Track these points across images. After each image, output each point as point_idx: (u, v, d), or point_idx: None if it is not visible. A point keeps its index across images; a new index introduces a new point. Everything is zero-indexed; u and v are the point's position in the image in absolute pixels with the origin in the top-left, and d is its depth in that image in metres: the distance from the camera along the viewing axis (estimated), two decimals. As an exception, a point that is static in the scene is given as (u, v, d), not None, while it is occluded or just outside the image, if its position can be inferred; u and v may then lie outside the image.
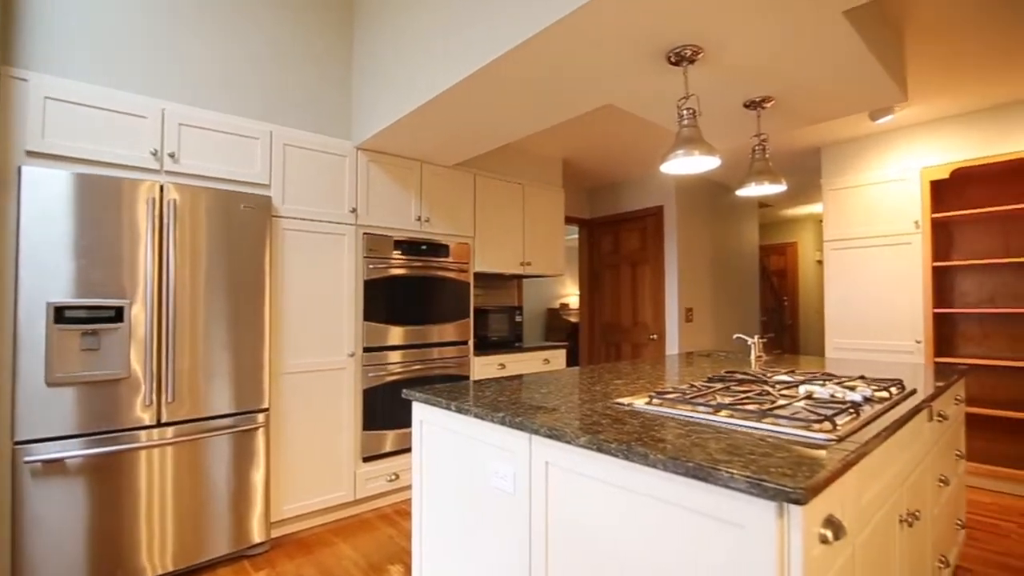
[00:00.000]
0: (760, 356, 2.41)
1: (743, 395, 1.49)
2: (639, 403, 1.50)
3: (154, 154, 2.28)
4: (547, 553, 1.28)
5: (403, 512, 2.96)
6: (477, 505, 1.51)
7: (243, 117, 2.59)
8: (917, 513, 1.53)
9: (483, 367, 3.50)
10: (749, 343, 2.42)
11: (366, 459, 2.97)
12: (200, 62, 2.47)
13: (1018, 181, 3.36)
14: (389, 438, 3.06)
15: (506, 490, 1.41)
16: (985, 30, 2.36)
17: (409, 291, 3.17)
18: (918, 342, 3.43)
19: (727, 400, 1.42)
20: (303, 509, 2.71)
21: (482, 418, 1.46)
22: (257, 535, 2.47)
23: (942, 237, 3.60)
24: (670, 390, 1.58)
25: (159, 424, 2.22)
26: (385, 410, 3.04)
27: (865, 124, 3.49)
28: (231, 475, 2.40)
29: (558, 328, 7.19)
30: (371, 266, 3.00)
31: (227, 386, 2.39)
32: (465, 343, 3.44)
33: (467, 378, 3.42)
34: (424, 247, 3.25)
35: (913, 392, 1.64)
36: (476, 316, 3.72)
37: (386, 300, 3.06)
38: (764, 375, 1.86)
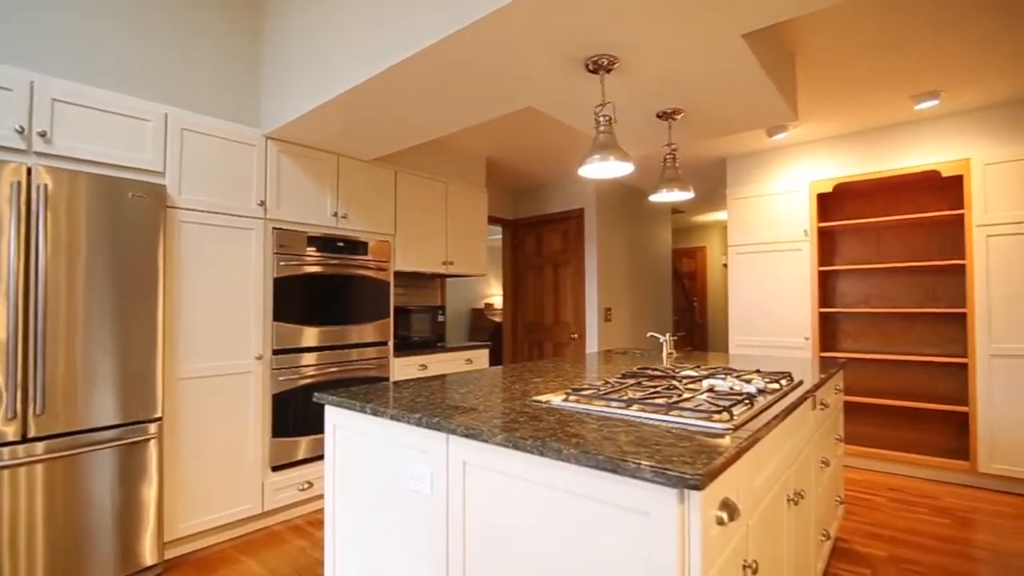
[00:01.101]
0: (671, 353, 2.54)
1: (653, 390, 1.56)
2: (556, 400, 1.52)
3: (20, 132, 2.01)
4: (465, 553, 1.27)
5: (317, 522, 2.82)
6: (393, 509, 1.46)
7: (134, 96, 2.35)
8: (802, 493, 1.68)
9: (404, 368, 3.42)
10: (661, 341, 2.55)
11: (276, 468, 2.80)
12: (85, 34, 2.21)
13: (888, 196, 3.81)
14: (302, 445, 2.90)
15: (423, 492, 1.38)
16: (863, 60, 2.65)
17: (325, 290, 3.03)
18: (806, 339, 3.78)
19: (638, 395, 1.48)
20: (204, 525, 2.50)
21: (398, 420, 1.42)
22: (149, 557, 2.24)
23: (827, 244, 4.00)
24: (586, 387, 1.62)
25: (25, 440, 1.95)
26: (298, 416, 2.89)
27: (764, 139, 3.80)
28: (117, 493, 2.16)
29: (482, 328, 7.20)
30: (282, 263, 2.83)
31: (111, 395, 2.16)
32: (385, 344, 3.34)
33: (387, 380, 3.33)
34: (341, 244, 3.12)
35: (800, 383, 1.80)
36: (397, 316, 3.63)
37: (300, 299, 2.91)
38: (673, 371, 1.97)
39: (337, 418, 1.66)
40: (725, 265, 7.84)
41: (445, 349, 3.70)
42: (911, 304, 3.69)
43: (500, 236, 5.47)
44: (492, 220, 5.09)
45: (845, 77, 2.84)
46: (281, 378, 2.82)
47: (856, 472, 3.55)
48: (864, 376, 3.86)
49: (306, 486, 2.91)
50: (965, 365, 3.45)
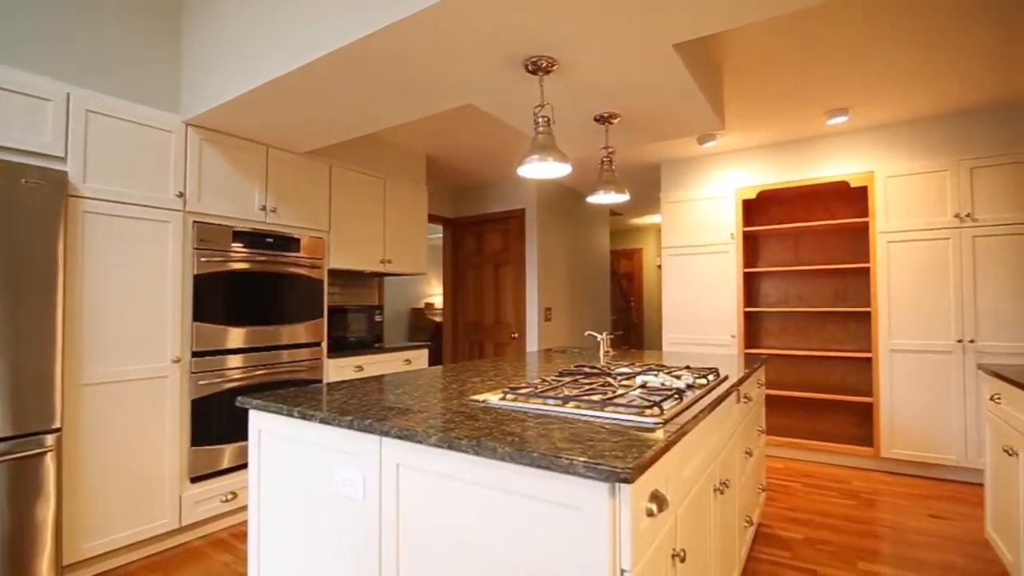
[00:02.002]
0: (608, 351, 2.60)
1: (588, 387, 1.59)
2: (493, 399, 1.51)
3: None
4: (399, 559, 1.23)
5: (242, 535, 2.66)
6: (323, 517, 1.40)
7: (30, 72, 2.12)
8: (727, 482, 1.76)
9: (338, 369, 3.30)
10: (598, 339, 2.61)
11: (196, 479, 2.61)
12: (-35, -2, 1.97)
13: (805, 203, 4.09)
14: (227, 453, 2.73)
15: (355, 497, 1.33)
16: (783, 75, 2.82)
17: (253, 288, 2.86)
18: (733, 336, 3.99)
19: (574, 392, 1.50)
20: (112, 545, 2.29)
21: (328, 423, 1.36)
22: (44, 583, 2.03)
23: (751, 248, 4.24)
24: (524, 385, 1.62)
25: None
26: (222, 422, 2.71)
27: (696, 147, 3.98)
28: (6, 513, 1.94)
29: (422, 328, 7.09)
30: (204, 259, 2.65)
31: None
32: (318, 345, 3.21)
33: (320, 382, 3.19)
34: (271, 240, 2.96)
35: (726, 379, 1.89)
36: (332, 316, 3.50)
37: (224, 298, 2.73)
38: (608, 368, 2.01)
39: (262, 423, 1.57)
40: (659, 266, 8.15)
41: (383, 350, 3.60)
42: (824, 304, 3.99)
43: (441, 235, 5.41)
44: (433, 219, 5.02)
45: (767, 91, 3.02)
46: (202, 382, 2.63)
47: (777, 461, 3.79)
48: (784, 371, 4.13)
49: (230, 497, 2.74)
50: (870, 359, 3.77)
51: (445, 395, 1.63)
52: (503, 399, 1.50)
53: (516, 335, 4.79)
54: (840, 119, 3.37)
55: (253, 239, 2.88)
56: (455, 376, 2.03)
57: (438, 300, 7.50)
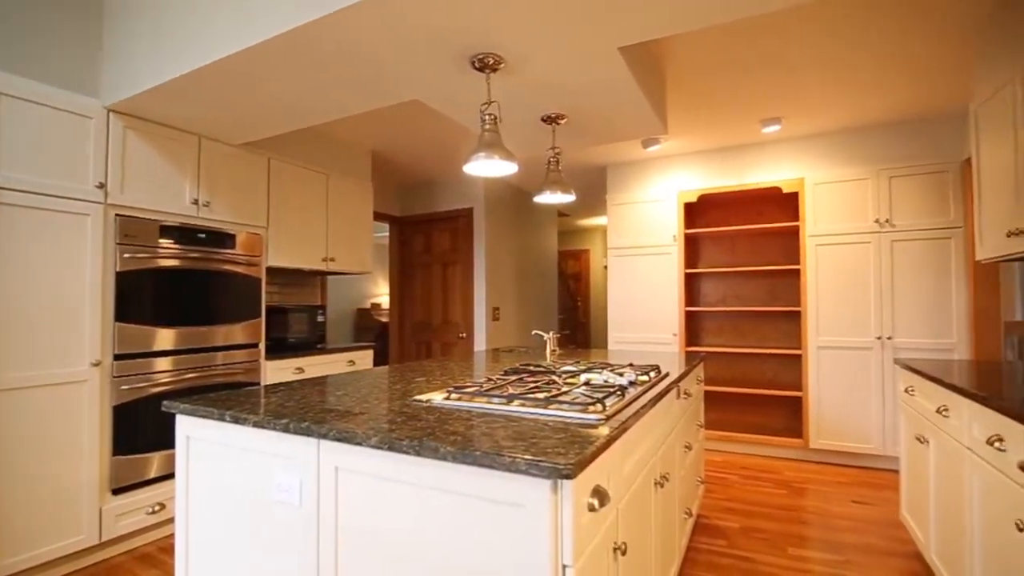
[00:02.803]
0: (554, 350, 2.62)
1: (533, 385, 1.59)
2: (438, 399, 1.49)
3: None
4: (338, 565, 1.19)
5: (170, 548, 2.50)
6: (258, 525, 1.33)
7: (-80, 46, 1.91)
8: (668, 476, 1.81)
9: (277, 372, 3.16)
10: (545, 339, 2.62)
11: (119, 490, 2.43)
12: None
13: (742, 207, 4.29)
14: (154, 462, 2.56)
15: (291, 503, 1.27)
16: (722, 84, 2.94)
17: (184, 287, 2.70)
18: (674, 335, 4.13)
19: (519, 391, 1.50)
20: (20, 565, 2.10)
21: (263, 426, 1.30)
22: (-65, 612, 1.83)
23: (692, 249, 4.41)
24: (469, 384, 1.61)
25: None
26: (148, 429, 2.54)
27: (640, 150, 4.09)
28: None
29: (368, 328, 6.93)
30: (127, 255, 2.47)
31: None
32: (255, 346, 3.06)
33: (257, 385, 3.05)
34: (203, 236, 2.80)
35: (666, 375, 1.95)
36: (270, 316, 3.35)
37: (152, 297, 2.56)
38: (554, 367, 2.03)
39: (191, 429, 1.48)
40: (606, 267, 8.33)
41: (325, 351, 3.48)
42: (759, 303, 4.20)
43: (387, 233, 5.30)
44: (379, 216, 4.91)
45: (708, 98, 3.14)
46: (125, 387, 2.45)
47: (715, 454, 3.95)
48: (722, 367, 4.31)
49: (157, 508, 2.56)
50: (799, 356, 4.00)
51: (388, 396, 1.59)
52: (447, 398, 1.48)
53: (464, 335, 4.76)
54: (774, 128, 3.55)
55: (184, 234, 2.71)
56: (400, 376, 1.99)
57: (385, 300, 7.36)
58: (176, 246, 2.67)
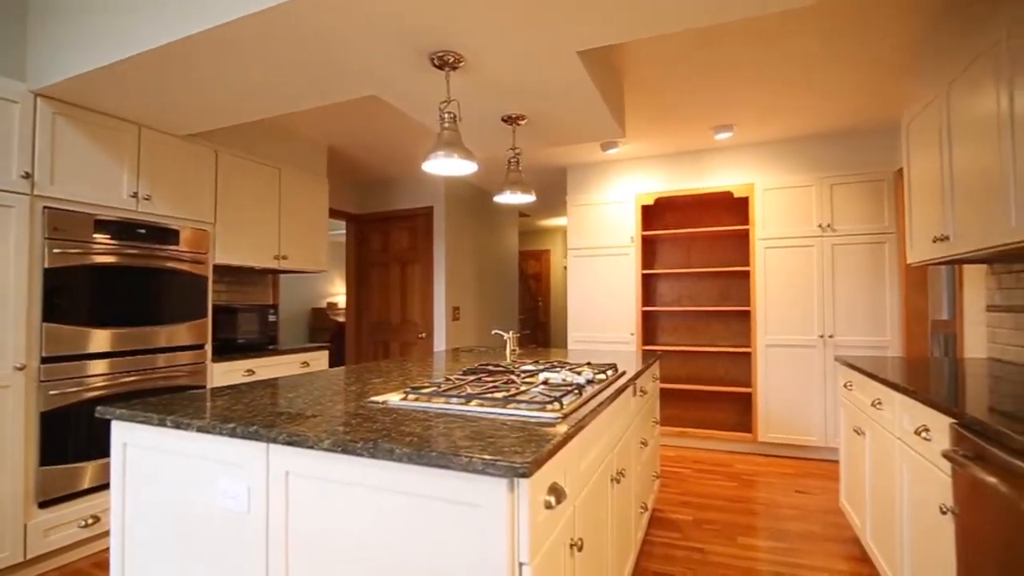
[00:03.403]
0: (514, 350, 2.62)
1: (491, 385, 1.58)
2: (394, 400, 1.46)
3: None
4: (288, 572, 1.14)
5: (105, 563, 2.35)
6: (201, 534, 1.26)
7: None
8: (624, 472, 1.84)
9: (226, 374, 3.03)
10: (505, 338, 2.62)
11: (47, 503, 2.27)
12: None
13: (697, 210, 4.42)
14: (88, 472, 2.40)
15: (238, 510, 1.22)
16: (677, 90, 3.02)
17: (122, 285, 2.54)
18: (632, 334, 4.21)
19: (477, 391, 1.49)
20: (-72, 589, 1.92)
21: (207, 431, 1.23)
22: None
23: (649, 250, 4.51)
24: (426, 385, 1.59)
25: None
26: (81, 436, 2.38)
27: (600, 152, 4.15)
28: None
29: (324, 328, 6.75)
30: (57, 251, 2.31)
31: None
32: (201, 347, 2.92)
33: (202, 387, 2.91)
34: (143, 231, 2.65)
35: (623, 373, 1.98)
36: (218, 315, 3.20)
37: (85, 296, 2.40)
38: (513, 366, 2.03)
39: (128, 435, 1.39)
40: (566, 267, 8.42)
41: (277, 352, 3.36)
42: (711, 303, 4.34)
43: (344, 231, 5.17)
44: (335, 214, 4.79)
45: (664, 103, 3.22)
46: (55, 392, 2.29)
47: (670, 449, 4.05)
48: (676, 365, 4.43)
49: (91, 521, 2.40)
50: (749, 354, 4.16)
51: (344, 397, 1.54)
52: (404, 399, 1.45)
53: (423, 335, 4.70)
54: (726, 134, 3.68)
55: (121, 229, 2.56)
56: (356, 377, 1.94)
57: (341, 300, 7.18)
58: (112, 242, 2.51)
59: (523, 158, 4.29)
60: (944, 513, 1.46)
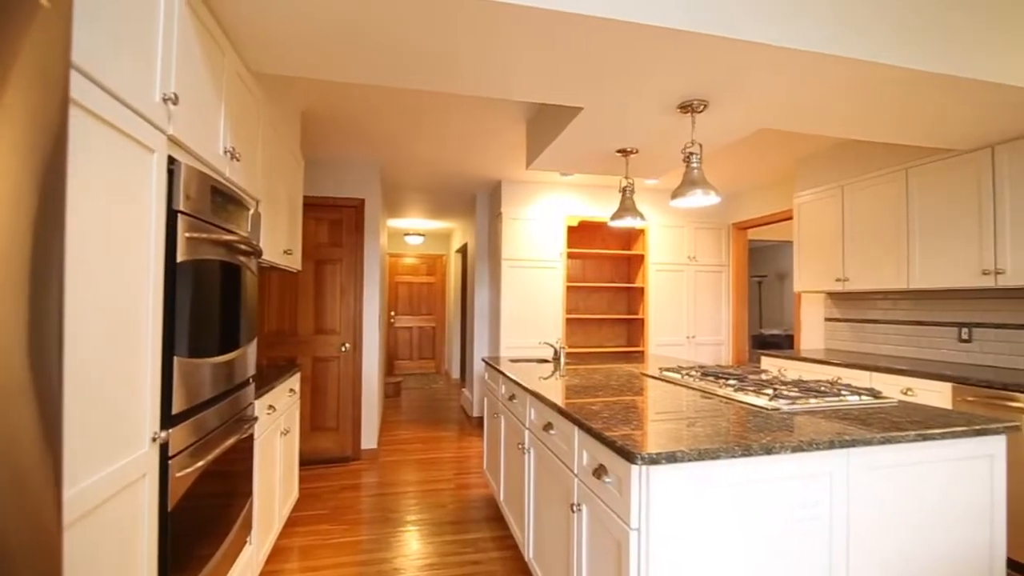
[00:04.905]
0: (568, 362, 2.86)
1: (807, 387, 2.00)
2: (768, 405, 1.73)
3: None
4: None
5: None
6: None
7: None
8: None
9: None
10: (557, 348, 2.84)
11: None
12: None
13: (607, 235, 5.27)
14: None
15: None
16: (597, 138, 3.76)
17: (221, 290, 1.65)
18: (557, 340, 4.74)
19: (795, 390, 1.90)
20: None
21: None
22: None
23: (574, 266, 5.12)
24: (791, 390, 1.88)
25: None
26: (205, 536, 1.46)
27: (537, 173, 4.51)
28: None
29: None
30: (192, 235, 1.43)
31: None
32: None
33: None
34: (232, 208, 1.77)
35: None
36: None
37: (210, 309, 1.49)
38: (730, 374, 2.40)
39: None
40: (464, 273, 8.03)
41: (293, 378, 2.53)
42: (617, 312, 5.27)
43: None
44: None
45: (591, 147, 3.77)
46: (183, 472, 1.37)
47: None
48: (591, 361, 5.17)
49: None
50: (642, 352, 5.27)
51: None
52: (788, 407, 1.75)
53: (348, 346, 4.05)
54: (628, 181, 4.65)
55: (225, 202, 1.66)
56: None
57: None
58: (218, 222, 1.61)
59: (450, 164, 4.29)
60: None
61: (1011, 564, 2.34)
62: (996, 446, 1.54)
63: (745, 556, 1.30)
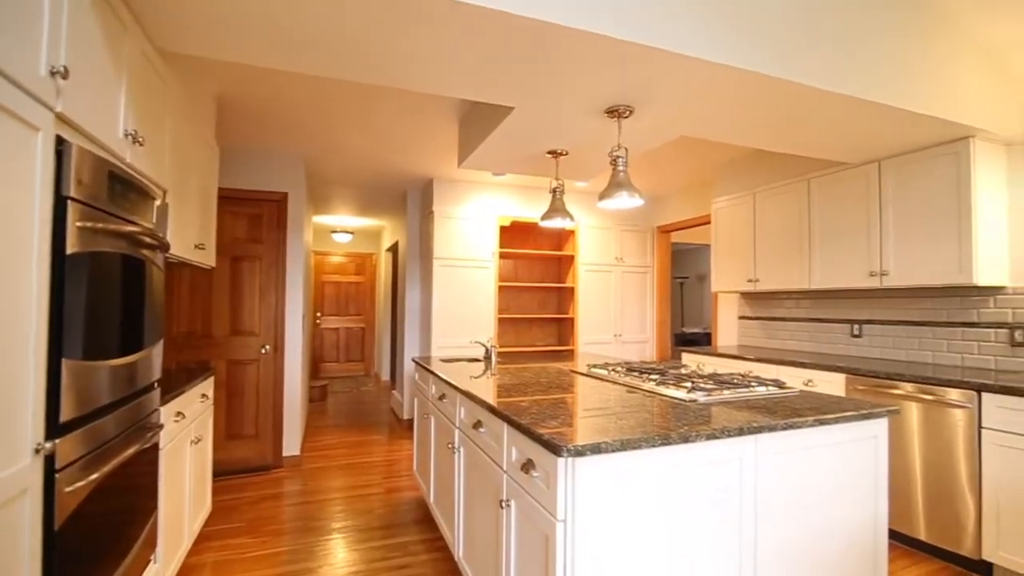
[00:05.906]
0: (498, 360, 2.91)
1: (722, 379, 2.13)
2: (684, 397, 1.84)
3: None
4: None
5: None
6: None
7: None
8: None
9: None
10: (488, 347, 2.88)
11: None
12: None
13: (539, 235, 5.33)
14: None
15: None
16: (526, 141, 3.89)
17: (121, 285, 1.51)
18: (489, 339, 4.75)
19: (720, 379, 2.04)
20: None
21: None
22: None
23: (505, 266, 5.13)
24: (724, 379, 1.99)
25: None
26: (105, 552, 1.32)
27: (469, 172, 4.50)
28: None
29: None
30: (84, 224, 1.30)
31: None
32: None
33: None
34: (134, 196, 1.63)
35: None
36: None
37: (109, 306, 1.36)
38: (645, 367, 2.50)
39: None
40: (394, 271, 7.67)
41: None
42: (548, 312, 5.34)
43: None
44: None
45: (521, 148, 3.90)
46: (71, 488, 1.24)
47: (517, 436, 4.79)
48: (518, 362, 5.21)
49: None
50: (572, 351, 5.38)
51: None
52: (705, 398, 1.86)
53: (268, 348, 3.84)
54: (558, 183, 4.77)
55: (125, 190, 1.52)
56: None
57: None
58: (115, 211, 1.47)
59: (381, 160, 4.21)
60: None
61: (892, 534, 2.62)
62: (880, 428, 1.71)
63: (668, 537, 1.37)
